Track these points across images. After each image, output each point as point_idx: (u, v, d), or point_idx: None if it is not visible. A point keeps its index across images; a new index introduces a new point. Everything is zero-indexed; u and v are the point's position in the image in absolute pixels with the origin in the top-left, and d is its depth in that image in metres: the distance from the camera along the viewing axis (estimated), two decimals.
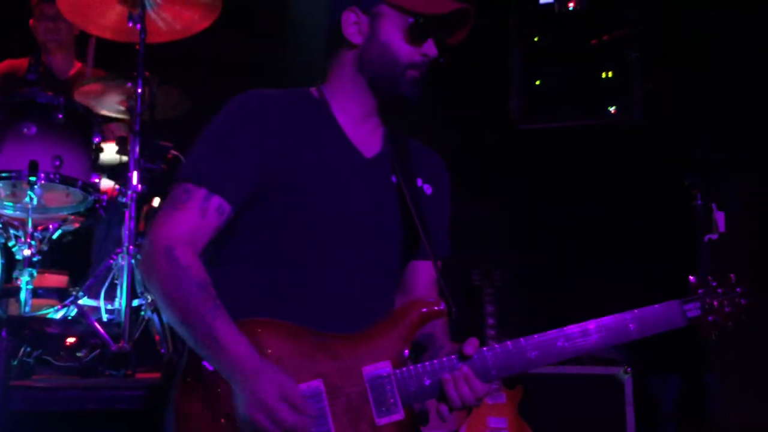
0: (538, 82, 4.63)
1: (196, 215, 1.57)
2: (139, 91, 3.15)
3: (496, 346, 1.51)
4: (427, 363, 1.54)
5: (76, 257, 3.77)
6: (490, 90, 5.08)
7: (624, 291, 4.94)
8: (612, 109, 4.23)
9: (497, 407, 4.76)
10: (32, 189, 2.91)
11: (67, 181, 3.01)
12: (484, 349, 1.52)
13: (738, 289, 1.64)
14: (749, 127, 3.76)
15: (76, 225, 3.48)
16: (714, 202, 2.65)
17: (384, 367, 1.53)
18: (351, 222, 1.67)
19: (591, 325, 1.57)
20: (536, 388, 4.81)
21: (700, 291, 1.64)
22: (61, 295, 3.42)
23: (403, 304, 1.61)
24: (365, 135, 1.75)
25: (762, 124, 3.63)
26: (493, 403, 4.77)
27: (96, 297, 3.19)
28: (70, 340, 2.87)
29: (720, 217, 2.64)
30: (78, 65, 4.32)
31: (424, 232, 1.67)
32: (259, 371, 1.42)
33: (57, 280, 3.68)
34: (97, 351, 3.03)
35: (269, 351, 1.50)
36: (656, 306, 1.63)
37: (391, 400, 1.51)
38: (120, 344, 2.93)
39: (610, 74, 4.27)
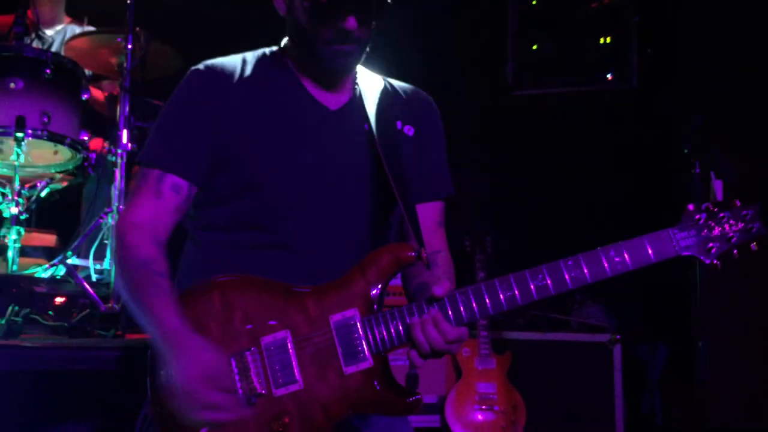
0: (534, 47, 4.57)
1: (151, 197, 1.59)
2: (130, 46, 3.08)
3: (468, 288, 1.47)
4: (395, 309, 1.51)
5: (65, 216, 3.72)
6: (485, 55, 5.02)
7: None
8: (609, 76, 4.18)
9: (486, 373, 4.78)
10: (19, 145, 2.85)
11: (56, 138, 2.95)
12: (456, 291, 1.48)
13: (745, 212, 1.48)
14: (749, 94, 3.73)
15: (65, 183, 3.43)
16: (712, 170, 2.62)
17: (351, 315, 1.51)
18: (315, 176, 1.64)
19: (569, 260, 1.51)
20: (526, 355, 4.83)
21: (696, 217, 1.50)
22: (49, 255, 3.39)
23: (373, 251, 1.57)
24: (327, 87, 1.70)
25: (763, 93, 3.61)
26: (482, 368, 4.79)
27: (85, 257, 3.15)
28: (59, 299, 2.84)
29: (718, 186, 2.61)
30: (68, 20, 4.22)
31: (397, 178, 1.63)
32: (186, 347, 1.41)
33: (45, 239, 3.64)
34: (86, 311, 3.01)
35: (237, 306, 1.49)
36: (643, 237, 1.51)
37: (359, 348, 1.49)
38: (109, 304, 2.90)
39: (608, 40, 4.21)
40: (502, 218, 5.38)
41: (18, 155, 2.85)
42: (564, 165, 5.09)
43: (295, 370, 1.49)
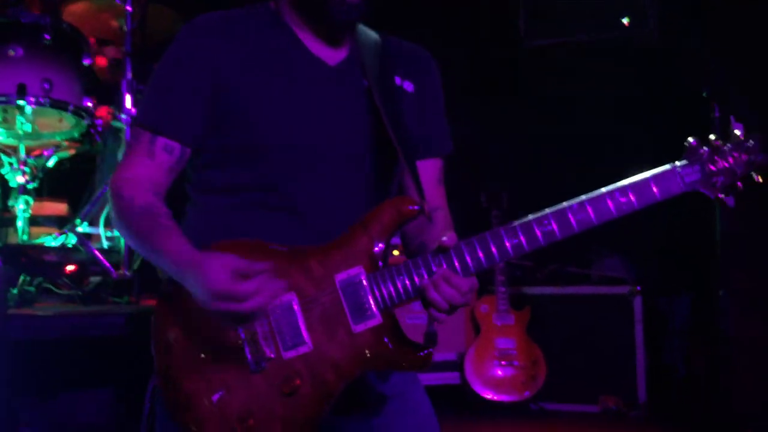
0: None
1: (145, 158, 1.56)
2: (129, 9, 3.01)
3: (473, 238, 1.44)
4: (401, 264, 1.47)
5: (76, 185, 3.70)
6: (495, 6, 4.89)
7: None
8: (625, 21, 4.05)
9: (505, 328, 4.76)
10: (22, 113, 2.81)
11: (58, 105, 2.90)
12: (462, 242, 1.44)
13: (748, 143, 1.46)
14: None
15: (72, 151, 3.39)
16: (732, 114, 2.52)
17: (356, 273, 1.47)
18: (316, 134, 1.58)
19: (574, 204, 1.45)
20: (545, 310, 4.80)
21: (700, 151, 1.47)
22: (60, 223, 3.37)
23: (375, 207, 1.52)
24: (328, 42, 1.63)
25: None
26: (501, 324, 4.77)
27: (95, 224, 3.13)
28: (70, 267, 2.83)
29: (739, 129, 2.51)
30: None
31: (398, 133, 1.57)
32: (201, 261, 1.38)
33: (56, 208, 3.62)
34: (99, 279, 3.00)
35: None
36: (649, 174, 1.46)
37: (366, 306, 1.46)
38: (121, 271, 2.89)
39: None
40: (519, 175, 5.30)
41: (21, 123, 2.81)
42: (581, 118, 4.99)
43: (304, 332, 1.46)
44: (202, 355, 1.46)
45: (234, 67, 1.56)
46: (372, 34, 1.71)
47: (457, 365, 4.79)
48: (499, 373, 4.70)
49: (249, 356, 1.44)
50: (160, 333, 1.48)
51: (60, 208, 3.63)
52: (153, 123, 1.57)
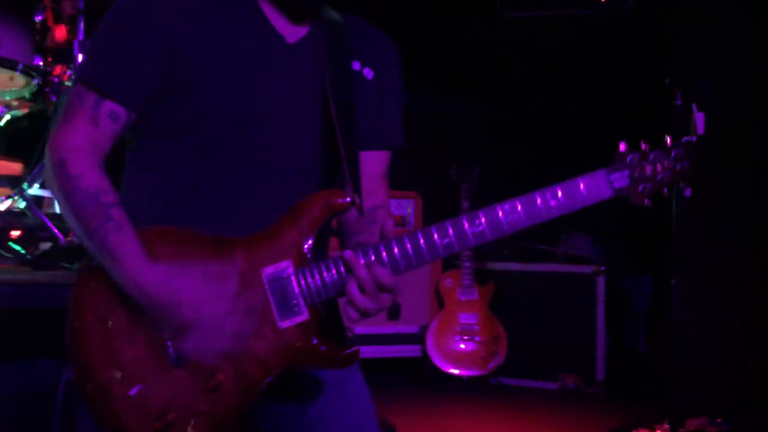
0: None
1: (88, 123, 1.46)
2: None
3: (404, 235, 1.39)
4: (330, 258, 1.42)
5: (33, 143, 3.60)
6: None
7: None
8: None
9: (469, 303, 4.76)
10: None
11: (5, 64, 2.80)
12: (393, 237, 1.40)
13: (674, 153, 1.44)
14: (741, 28, 3.54)
15: (25, 110, 3.29)
16: (695, 102, 2.48)
17: (284, 267, 1.42)
18: (260, 116, 1.51)
19: (505, 205, 1.41)
20: (509, 286, 4.80)
21: (629, 158, 1.45)
22: (13, 183, 3.28)
23: (304, 199, 1.46)
24: (290, 18, 1.55)
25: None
26: (464, 299, 4.76)
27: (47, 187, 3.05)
28: (14, 233, 2.75)
29: (700, 119, 2.47)
30: None
31: (343, 119, 1.51)
32: (161, 290, 1.36)
33: (10, 167, 3.52)
34: (49, 245, 2.93)
35: (161, 259, 1.41)
36: (579, 178, 1.44)
37: (294, 301, 1.41)
38: (69, 237, 2.82)
39: None
40: (490, 149, 5.25)
41: None
42: (553, 94, 4.93)
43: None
44: (120, 347, 1.40)
45: (189, 28, 1.47)
46: (337, 16, 1.63)
47: (419, 338, 4.80)
48: (461, 347, 4.71)
49: (170, 350, 1.39)
50: (75, 321, 1.42)
51: (14, 167, 3.53)
52: (99, 84, 1.45)
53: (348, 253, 1.39)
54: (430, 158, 5.12)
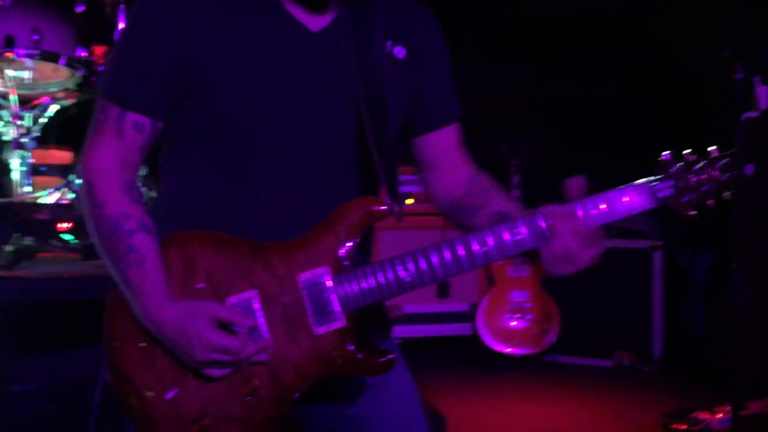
0: None
1: (114, 137, 1.44)
2: None
3: (444, 248, 1.38)
4: (368, 265, 1.39)
5: (81, 132, 3.63)
6: None
7: (651, 163, 4.67)
8: None
9: (520, 281, 4.67)
10: (10, 66, 2.72)
11: (49, 57, 2.81)
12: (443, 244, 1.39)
13: (718, 164, 1.41)
14: None
15: (72, 100, 3.31)
16: (757, 75, 2.33)
17: (321, 273, 1.40)
18: (281, 113, 1.45)
19: (539, 220, 1.39)
20: None
21: (672, 169, 1.42)
22: (63, 172, 3.32)
23: (342, 205, 1.42)
24: (311, 5, 1.48)
25: None
26: (515, 276, 4.68)
27: None
28: (63, 225, 2.78)
29: (762, 93, 2.33)
30: None
31: (375, 110, 1.45)
32: (177, 330, 1.35)
33: (61, 156, 3.56)
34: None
35: (198, 264, 1.40)
36: (623, 188, 1.41)
37: (330, 308, 1.38)
38: None
39: None
40: (538, 121, 5.11)
41: (8, 77, 2.73)
42: (602, 67, 4.76)
43: (264, 332, 1.38)
44: (156, 354, 1.40)
45: (204, 29, 1.43)
46: None
47: (470, 316, 4.74)
48: (512, 325, 4.64)
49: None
50: (112, 325, 1.41)
51: (64, 156, 3.58)
52: (120, 97, 1.44)
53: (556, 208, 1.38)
54: (476, 133, 5.01)
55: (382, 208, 1.40)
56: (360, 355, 1.39)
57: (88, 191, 1.43)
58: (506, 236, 1.39)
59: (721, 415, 3.18)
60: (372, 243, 1.59)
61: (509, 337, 4.63)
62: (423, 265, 1.38)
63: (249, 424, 1.38)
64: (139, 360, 1.40)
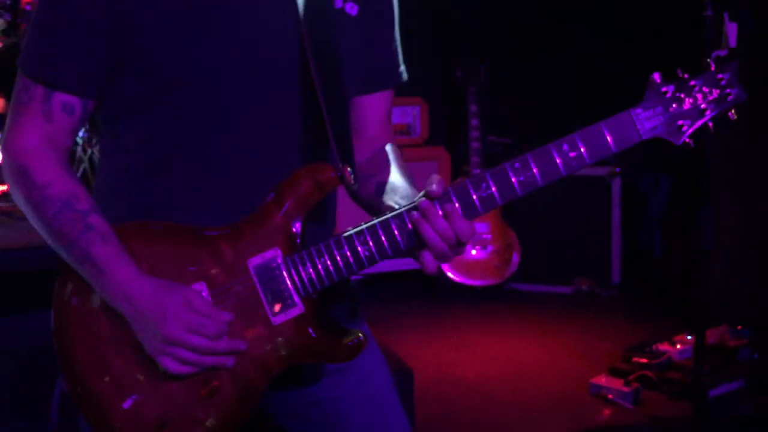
0: None
1: (41, 120, 1.30)
2: None
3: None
4: (322, 243, 1.29)
5: (13, 78, 3.40)
6: None
7: (612, 98, 4.61)
8: None
9: None
10: None
11: None
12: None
13: (720, 76, 1.22)
14: None
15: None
16: (727, 11, 2.24)
17: (272, 256, 1.29)
18: (231, 73, 1.33)
19: (516, 162, 1.23)
20: None
21: (664, 89, 1.23)
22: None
23: (286, 179, 1.30)
24: None
25: None
26: None
27: None
28: (2, 188, 2.61)
29: (732, 30, 2.24)
30: None
31: (324, 69, 1.33)
32: (154, 301, 1.25)
33: None
34: None
35: (141, 259, 1.30)
36: (600, 123, 1.23)
37: (286, 294, 1.29)
38: None
39: None
40: (495, 47, 4.96)
41: None
42: None
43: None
44: (109, 359, 1.31)
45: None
46: None
47: None
48: (474, 256, 4.63)
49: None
50: (61, 336, 1.32)
51: None
52: (46, 75, 1.29)
53: (424, 203, 1.23)
54: (433, 60, 4.84)
55: (332, 175, 1.30)
56: (324, 342, 1.31)
57: (23, 172, 1.29)
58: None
59: (680, 347, 3.24)
60: (333, 208, 1.48)
61: (471, 269, 4.63)
62: (383, 239, 1.27)
63: (217, 425, 1.31)
64: (93, 370, 1.30)
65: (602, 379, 3.15)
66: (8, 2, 2.82)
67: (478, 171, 4.63)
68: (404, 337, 3.79)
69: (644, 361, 3.16)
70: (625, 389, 3.03)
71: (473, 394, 3.27)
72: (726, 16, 2.29)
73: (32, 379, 2.41)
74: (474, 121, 4.68)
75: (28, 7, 3.03)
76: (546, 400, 3.19)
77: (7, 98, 3.56)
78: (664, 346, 3.25)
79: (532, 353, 3.72)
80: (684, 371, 3.07)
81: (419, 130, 4.77)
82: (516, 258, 4.60)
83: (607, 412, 3.01)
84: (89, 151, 2.96)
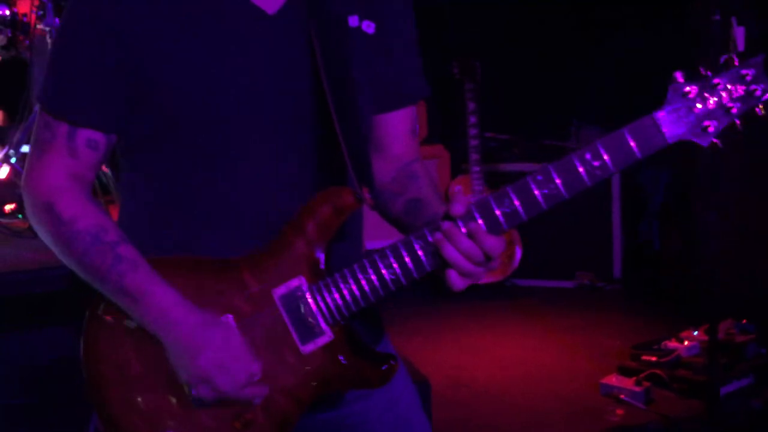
0: None
1: (66, 157, 1.30)
2: None
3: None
4: (346, 269, 1.27)
5: (13, 92, 3.37)
6: None
7: (610, 94, 4.62)
8: None
9: None
10: None
11: None
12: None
13: (745, 72, 1.17)
14: None
15: None
16: (734, 15, 2.24)
17: (296, 285, 1.28)
18: (247, 106, 1.32)
19: (539, 175, 1.21)
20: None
21: (687, 89, 1.19)
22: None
23: (306, 204, 1.29)
24: None
25: None
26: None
27: None
28: (9, 207, 2.59)
29: (740, 34, 2.25)
30: None
31: (340, 90, 1.31)
32: (191, 333, 1.25)
33: None
34: None
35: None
36: (623, 129, 1.19)
37: (313, 322, 1.28)
38: None
39: None
40: (492, 44, 4.95)
41: None
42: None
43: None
44: (141, 395, 1.30)
45: (147, 19, 1.26)
46: None
47: None
48: None
49: (193, 391, 1.28)
50: (91, 374, 1.30)
51: None
52: (68, 112, 1.29)
53: (446, 225, 1.21)
54: (428, 57, 4.82)
55: (351, 199, 1.29)
56: (356, 369, 1.30)
57: (48, 209, 1.29)
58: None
59: (687, 344, 3.26)
60: (359, 226, 1.47)
61: None
62: (408, 261, 1.25)
63: None
64: (124, 407, 1.29)
65: (613, 379, 3.16)
66: (8, 17, 2.78)
67: (477, 168, 4.63)
68: (411, 339, 3.80)
69: (653, 359, 3.18)
70: (637, 389, 3.04)
71: (484, 398, 3.28)
72: (734, 20, 2.29)
73: (46, 394, 2.42)
74: (472, 119, 4.68)
75: (25, 18, 3.00)
76: (557, 400, 3.20)
77: (6, 111, 3.55)
78: (672, 344, 3.27)
79: (539, 353, 3.73)
80: (693, 369, 3.09)
81: (418, 128, 4.77)
82: (518, 254, 4.62)
83: (620, 411, 3.02)
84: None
